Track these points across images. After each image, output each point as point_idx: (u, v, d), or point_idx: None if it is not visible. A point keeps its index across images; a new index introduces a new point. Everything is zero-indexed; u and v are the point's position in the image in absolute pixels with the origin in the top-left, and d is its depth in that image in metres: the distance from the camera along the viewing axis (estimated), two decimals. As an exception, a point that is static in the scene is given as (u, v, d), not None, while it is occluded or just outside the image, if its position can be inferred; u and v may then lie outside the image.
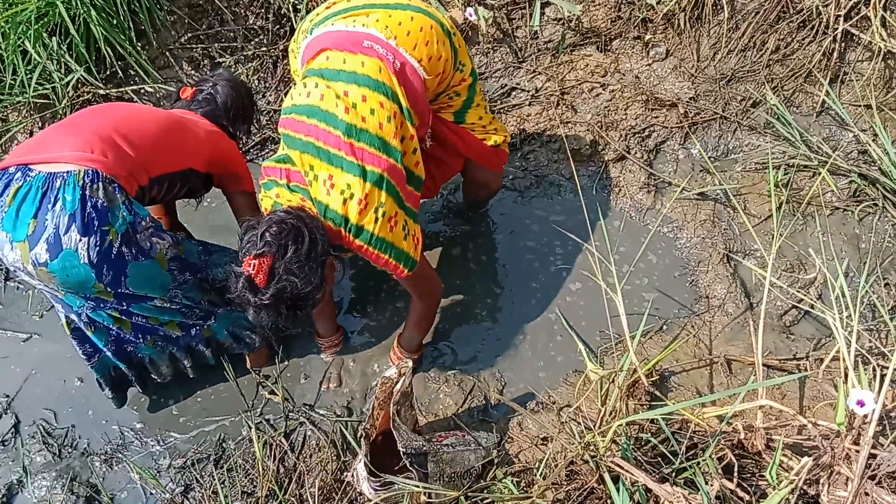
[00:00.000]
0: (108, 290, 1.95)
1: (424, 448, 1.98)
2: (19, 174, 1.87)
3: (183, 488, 2.28)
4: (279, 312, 1.84)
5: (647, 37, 3.18)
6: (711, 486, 1.63)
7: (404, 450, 1.90)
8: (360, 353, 2.62)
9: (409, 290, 2.31)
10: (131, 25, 3.07)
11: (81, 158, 1.86)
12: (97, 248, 1.86)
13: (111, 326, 2.15)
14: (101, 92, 3.09)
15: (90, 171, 1.85)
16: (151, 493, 2.29)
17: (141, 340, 2.23)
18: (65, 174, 1.84)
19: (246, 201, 2.42)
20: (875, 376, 2.00)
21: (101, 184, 1.85)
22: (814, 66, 3.03)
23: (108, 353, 2.25)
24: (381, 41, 1.97)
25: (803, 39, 3.06)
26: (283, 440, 2.34)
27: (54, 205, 1.82)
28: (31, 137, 2.05)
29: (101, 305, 2.05)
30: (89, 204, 1.84)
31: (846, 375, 1.95)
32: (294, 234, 1.82)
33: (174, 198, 2.29)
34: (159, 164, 2.06)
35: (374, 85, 1.92)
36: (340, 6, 2.07)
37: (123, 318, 2.14)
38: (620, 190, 3.01)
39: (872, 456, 1.79)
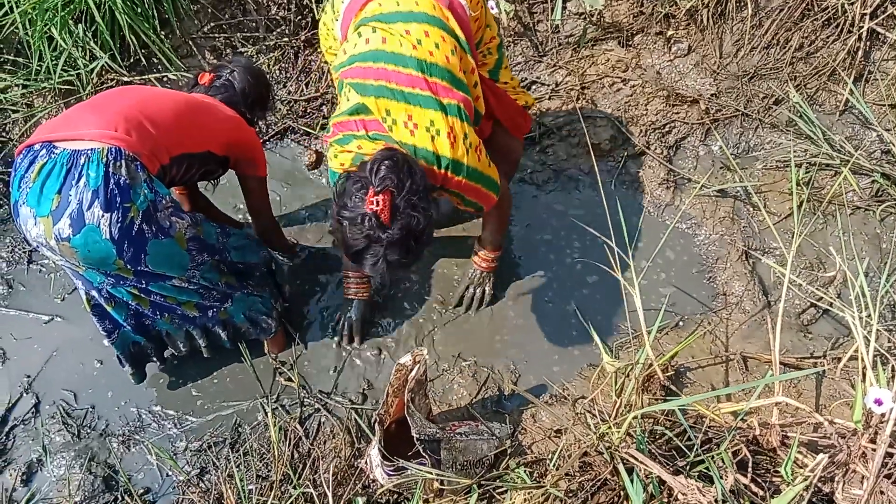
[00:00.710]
0: (128, 266, 1.98)
1: (438, 435, 1.99)
2: (44, 151, 1.90)
3: (199, 471, 2.30)
4: (407, 250, 1.83)
5: (670, 32, 3.17)
6: (725, 479, 1.63)
7: (418, 436, 1.91)
8: (375, 340, 2.64)
9: (488, 210, 2.28)
10: (155, 14, 3.10)
11: (105, 136, 1.89)
12: (119, 225, 1.89)
13: (130, 302, 2.19)
14: (125, 79, 3.12)
15: (113, 149, 1.88)
16: (168, 475, 2.32)
17: (159, 316, 2.27)
18: (89, 151, 1.86)
19: (258, 186, 2.51)
20: (893, 376, 1.99)
21: (124, 161, 1.88)
22: (838, 65, 3.00)
23: (128, 328, 2.29)
24: None
25: (828, 37, 3.03)
26: (298, 426, 2.36)
27: (78, 181, 1.85)
28: (57, 116, 2.08)
29: (121, 282, 2.08)
30: (112, 181, 1.86)
31: (864, 374, 1.94)
32: (407, 168, 1.81)
33: (191, 179, 2.31)
34: (180, 145, 2.09)
35: (433, 20, 1.92)
36: None
37: (142, 296, 2.17)
38: (640, 185, 3.00)
39: (889, 455, 1.78)
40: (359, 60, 1.92)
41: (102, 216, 1.86)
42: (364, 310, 2.61)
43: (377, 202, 1.75)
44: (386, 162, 1.80)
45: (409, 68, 1.88)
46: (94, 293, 2.16)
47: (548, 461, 2.03)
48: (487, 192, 2.06)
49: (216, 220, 2.64)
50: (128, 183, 1.89)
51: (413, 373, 1.93)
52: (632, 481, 1.59)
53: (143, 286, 2.12)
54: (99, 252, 1.91)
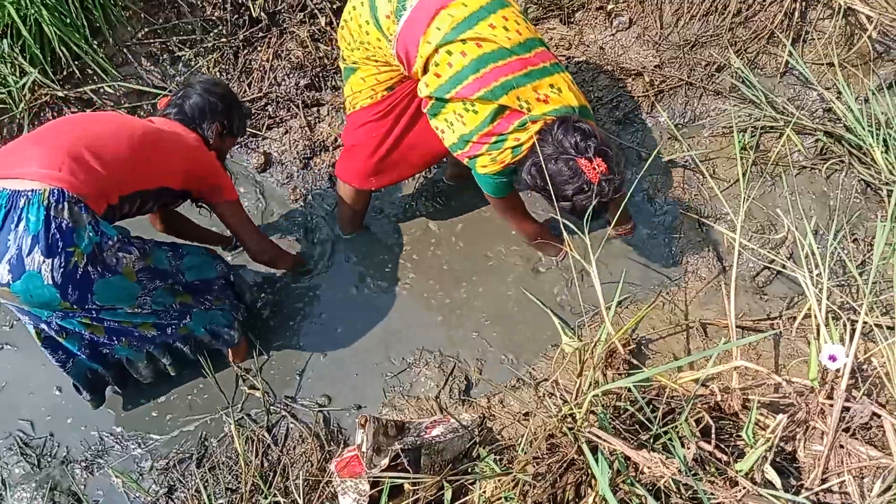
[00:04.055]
0: (75, 307, 1.92)
1: (418, 443, 1.99)
2: None
3: (167, 489, 2.26)
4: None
5: (610, 6, 3.17)
6: (688, 448, 1.65)
7: (401, 447, 1.92)
8: (336, 342, 2.61)
9: None
10: (85, 23, 3.00)
11: (47, 176, 1.81)
12: (62, 270, 1.82)
13: (83, 332, 2.12)
14: (60, 94, 3.02)
15: (56, 191, 1.80)
16: (136, 497, 2.27)
17: (116, 342, 2.20)
18: (29, 193, 1.79)
19: (231, 210, 2.36)
20: (846, 331, 2.02)
21: (66, 204, 1.81)
22: (776, 27, 3.03)
23: (84, 357, 2.21)
24: None
25: (764, 1, 3.06)
26: (265, 434, 2.34)
27: (17, 224, 1.78)
28: (11, 143, 1.99)
29: (70, 315, 2.02)
30: (53, 225, 1.79)
31: (818, 332, 1.97)
32: (578, 122, 2.06)
33: (147, 212, 2.24)
34: (132, 183, 2.01)
35: (499, 4, 2.09)
36: None
37: (95, 323, 2.10)
38: (590, 162, 3.00)
39: (846, 409, 1.82)
40: (471, 74, 2.05)
41: (44, 262, 1.79)
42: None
43: (598, 165, 2.01)
44: (569, 130, 2.03)
45: (514, 55, 2.05)
46: (42, 326, 2.09)
47: (517, 446, 2.04)
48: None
49: (199, 239, 2.58)
50: (70, 227, 1.81)
51: (364, 446, 1.96)
52: (597, 460, 1.59)
53: (95, 315, 2.06)
54: (41, 297, 1.84)
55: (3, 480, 2.31)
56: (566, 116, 2.09)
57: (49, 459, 2.36)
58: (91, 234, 1.86)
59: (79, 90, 3.08)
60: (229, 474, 2.24)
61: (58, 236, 1.80)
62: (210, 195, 2.30)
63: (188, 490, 2.19)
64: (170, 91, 2.36)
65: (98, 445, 2.39)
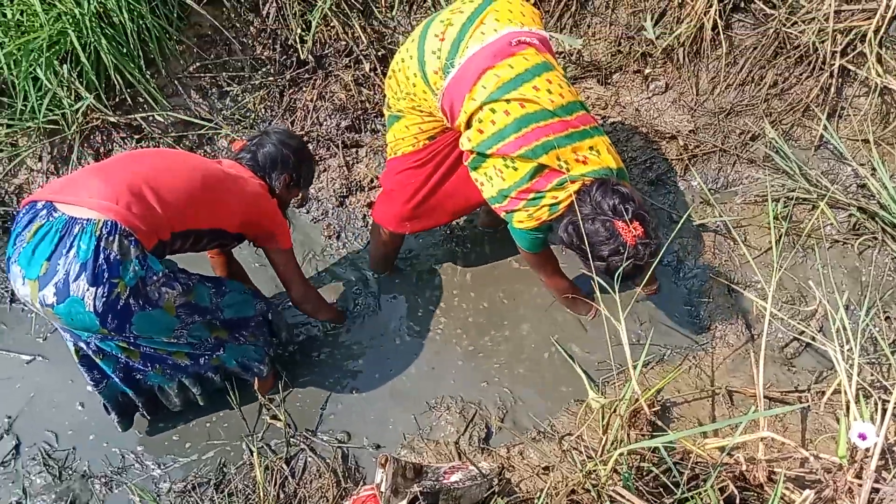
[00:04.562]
0: (113, 333, 1.98)
1: (436, 487, 1.99)
2: (44, 211, 1.90)
3: (183, 513, 2.27)
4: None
5: (647, 70, 3.24)
6: (713, 517, 1.64)
7: (420, 489, 1.92)
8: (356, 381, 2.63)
9: None
10: (141, 54, 3.12)
11: (104, 208, 1.88)
12: (104, 299, 1.87)
13: (119, 355, 2.16)
14: (111, 119, 3.14)
15: (109, 223, 1.87)
16: (151, 518, 2.28)
17: (150, 368, 2.24)
18: (84, 221, 1.86)
19: (281, 258, 2.42)
20: (877, 409, 2.01)
21: (117, 236, 1.87)
22: (811, 101, 3.08)
23: (117, 380, 2.25)
24: (517, 33, 2.15)
25: (801, 74, 3.12)
26: (283, 465, 2.34)
27: (69, 251, 1.84)
28: (66, 176, 2.07)
29: (109, 338, 2.06)
30: (102, 255, 1.85)
31: (848, 408, 1.96)
32: (617, 186, 2.10)
33: (202, 249, 2.29)
34: (186, 221, 2.06)
35: (544, 67, 2.14)
36: (447, 31, 2.18)
37: (131, 348, 2.15)
38: (622, 220, 3.04)
39: (875, 490, 1.79)
40: (513, 133, 2.10)
41: (88, 289, 1.85)
42: None
43: (634, 229, 2.05)
44: (608, 192, 2.08)
45: (556, 117, 2.10)
46: (81, 344, 2.14)
47: (536, 499, 2.02)
48: None
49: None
50: (118, 259, 1.87)
51: (383, 486, 1.97)
52: (620, 520, 1.58)
53: (132, 341, 2.10)
54: (82, 322, 1.90)
55: (25, 490, 2.33)
56: (605, 178, 2.14)
57: (70, 472, 2.38)
58: (137, 267, 1.91)
59: (129, 117, 3.18)
60: (245, 502, 2.24)
61: (104, 267, 1.86)
62: (265, 241, 2.35)
63: (205, 516, 2.19)
64: (241, 135, 2.43)
65: (119, 463, 2.40)
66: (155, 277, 1.99)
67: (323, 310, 2.67)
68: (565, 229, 2.16)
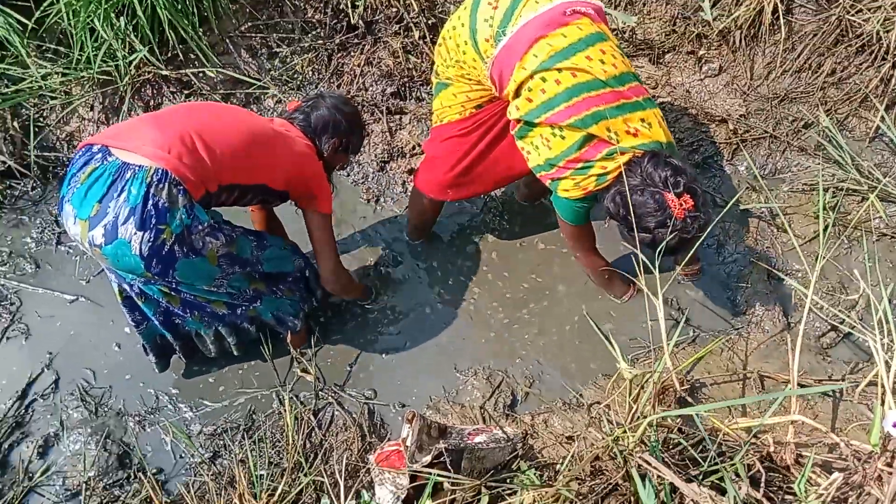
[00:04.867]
0: (156, 277, 2.03)
1: (461, 445, 2.01)
2: (100, 155, 1.96)
3: (212, 454, 2.33)
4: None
5: (701, 52, 3.18)
6: (739, 489, 1.62)
7: (445, 445, 1.94)
8: (391, 343, 2.65)
9: None
10: (195, 11, 3.17)
11: (156, 156, 1.93)
12: (150, 244, 1.93)
13: (160, 300, 2.22)
14: (163, 73, 3.19)
15: (160, 170, 1.91)
16: (181, 457, 2.35)
17: (189, 315, 2.30)
18: (136, 168, 1.91)
19: (319, 222, 2.39)
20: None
21: (167, 184, 1.92)
22: (870, 91, 2.99)
23: (156, 323, 2.32)
24: (572, 2, 2.14)
25: (861, 64, 3.03)
26: (311, 417, 2.38)
27: (119, 195, 1.90)
28: (123, 122, 2.12)
29: (152, 282, 2.12)
30: (151, 202, 1.90)
31: (883, 398, 1.92)
32: (668, 159, 2.08)
33: (246, 204, 2.32)
34: (234, 176, 2.10)
35: (598, 37, 2.12)
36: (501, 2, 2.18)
37: (173, 294, 2.20)
38: (663, 201, 3.00)
39: (906, 479, 1.75)
40: (563, 102, 2.08)
41: (135, 234, 1.91)
42: None
43: (684, 202, 2.02)
44: (660, 164, 2.05)
45: (607, 87, 2.08)
46: (125, 286, 2.20)
47: (559, 465, 2.03)
48: None
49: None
50: (166, 206, 1.92)
51: (409, 440, 2.00)
52: (644, 487, 1.58)
53: (173, 287, 2.16)
54: (128, 264, 1.96)
55: (62, 422, 2.42)
56: (657, 151, 2.11)
57: (106, 409, 2.46)
58: (183, 216, 1.96)
59: (180, 72, 3.24)
60: (272, 449, 2.29)
61: (153, 213, 1.91)
62: (306, 202, 2.36)
63: (233, 457, 2.24)
64: (289, 97, 2.44)
65: (153, 403, 2.48)
66: (200, 227, 2.03)
67: (350, 289, 2.65)
68: (612, 199, 2.14)
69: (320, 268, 2.48)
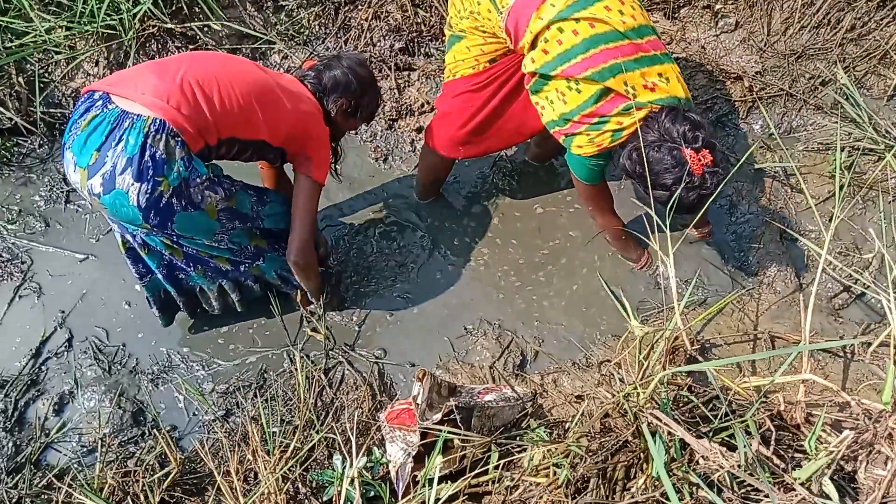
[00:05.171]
0: (155, 229, 2.02)
1: (472, 403, 2.02)
2: (100, 102, 1.93)
3: (224, 412, 2.35)
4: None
5: (717, 6, 3.10)
6: (750, 445, 1.63)
7: (456, 403, 1.95)
8: (396, 302, 2.66)
9: None
10: (200, -38, 3.10)
11: (155, 105, 1.89)
12: (147, 196, 1.91)
13: (164, 252, 2.22)
14: (167, 26, 3.14)
15: (158, 121, 1.88)
16: (194, 414, 2.37)
17: (192, 269, 2.29)
18: (135, 116, 1.88)
19: (306, 186, 2.26)
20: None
21: (164, 136, 1.89)
22: (890, 48, 2.92)
23: (160, 276, 2.32)
24: None
25: (881, 19, 2.96)
26: (322, 376, 2.40)
27: (117, 144, 1.88)
28: (127, 69, 2.08)
29: (153, 233, 2.12)
30: (148, 153, 1.88)
31: (896, 358, 1.91)
32: (687, 113, 2.05)
33: (245, 160, 2.26)
34: (233, 129, 2.05)
35: None
36: None
37: (175, 246, 2.20)
38: (675, 160, 2.96)
39: (917, 437, 1.76)
40: (580, 53, 2.04)
41: (132, 184, 1.89)
42: None
43: (703, 157, 2.00)
44: (678, 119, 2.02)
45: (626, 39, 2.04)
46: (128, 237, 2.19)
47: (568, 423, 2.05)
48: None
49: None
50: (163, 158, 1.90)
51: (420, 398, 2.00)
52: (654, 443, 1.59)
53: (175, 240, 2.15)
54: (126, 215, 1.95)
55: (76, 380, 2.44)
56: (675, 106, 2.07)
57: (119, 368, 2.48)
58: (181, 168, 1.94)
59: (185, 25, 3.18)
60: (284, 407, 2.31)
61: (150, 164, 1.88)
62: (300, 163, 2.26)
63: (246, 415, 2.27)
64: (317, 56, 2.35)
65: (165, 361, 2.49)
66: (199, 180, 2.01)
67: (311, 274, 2.44)
68: (629, 156, 2.10)
69: (290, 237, 2.30)
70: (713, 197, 2.05)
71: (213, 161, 2.14)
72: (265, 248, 2.35)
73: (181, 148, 1.92)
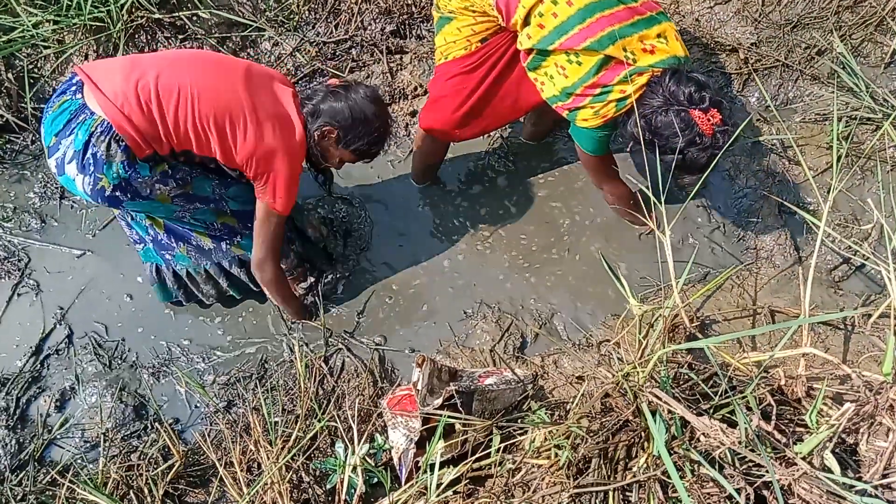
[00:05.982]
0: (112, 208, 2.09)
1: (472, 387, 2.02)
2: (75, 87, 1.98)
3: (226, 403, 2.36)
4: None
5: (711, -23, 3.06)
6: (751, 420, 1.63)
7: (457, 388, 1.95)
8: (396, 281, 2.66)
9: None
10: (185, -51, 3.06)
11: (108, 107, 1.91)
12: (91, 186, 1.98)
13: (143, 222, 2.26)
14: (156, 16, 3.10)
15: (105, 122, 1.91)
16: (196, 406, 2.38)
17: (176, 246, 2.31)
18: (89, 113, 1.93)
19: (261, 211, 2.16)
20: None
21: (107, 139, 1.92)
22: (887, 14, 2.88)
23: (151, 246, 2.35)
24: None
25: (878, -15, 2.91)
26: (322, 364, 2.40)
27: (69, 135, 1.95)
28: (114, 59, 2.07)
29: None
30: (90, 151, 1.93)
31: (896, 328, 1.90)
32: (689, 74, 2.04)
33: (201, 168, 2.18)
34: (185, 145, 2.01)
35: None
36: None
37: (155, 217, 2.23)
38: (672, 136, 2.94)
39: (918, 408, 1.75)
40: (577, 24, 2.02)
41: (77, 174, 1.96)
42: None
43: (712, 117, 1.99)
44: (682, 80, 2.00)
45: (619, 5, 2.02)
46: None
47: (569, 404, 2.05)
48: None
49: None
50: (103, 159, 1.94)
51: (420, 384, 2.01)
52: (654, 421, 1.59)
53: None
54: (81, 195, 2.03)
55: (78, 376, 2.45)
56: (677, 67, 2.04)
57: (119, 362, 2.49)
58: (121, 170, 1.97)
59: (173, 15, 3.15)
60: (286, 397, 2.31)
61: (91, 161, 1.95)
62: (258, 188, 2.13)
63: (247, 405, 2.27)
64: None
65: (166, 355, 2.50)
66: (141, 179, 2.02)
67: (278, 294, 2.40)
68: (635, 123, 2.07)
69: (255, 254, 2.27)
70: (717, 160, 2.05)
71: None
72: (235, 225, 2.32)
73: (123, 152, 1.95)
